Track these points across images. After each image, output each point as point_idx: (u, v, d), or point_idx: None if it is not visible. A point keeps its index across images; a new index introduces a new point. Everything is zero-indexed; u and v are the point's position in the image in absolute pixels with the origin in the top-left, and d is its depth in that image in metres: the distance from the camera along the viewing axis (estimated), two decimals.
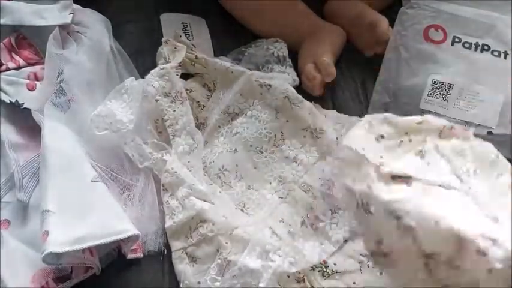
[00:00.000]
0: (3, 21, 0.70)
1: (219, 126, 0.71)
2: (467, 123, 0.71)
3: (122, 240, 0.59)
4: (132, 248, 0.62)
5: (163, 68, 0.70)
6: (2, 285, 0.58)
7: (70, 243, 0.57)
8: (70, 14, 0.71)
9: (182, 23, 0.81)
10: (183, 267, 0.62)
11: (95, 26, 0.72)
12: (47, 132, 0.64)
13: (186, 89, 0.71)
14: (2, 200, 0.64)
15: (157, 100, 0.68)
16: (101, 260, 0.61)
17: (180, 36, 0.75)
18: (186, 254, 0.62)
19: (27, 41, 0.71)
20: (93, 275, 0.61)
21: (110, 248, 0.62)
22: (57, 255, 0.57)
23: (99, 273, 0.61)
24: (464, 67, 0.73)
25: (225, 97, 0.72)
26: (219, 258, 0.60)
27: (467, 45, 0.74)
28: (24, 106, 0.67)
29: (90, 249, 0.59)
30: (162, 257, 0.64)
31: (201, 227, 0.62)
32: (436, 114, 0.71)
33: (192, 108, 0.70)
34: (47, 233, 0.57)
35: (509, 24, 0.74)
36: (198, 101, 0.73)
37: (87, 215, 0.59)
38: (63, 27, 0.70)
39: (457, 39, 0.74)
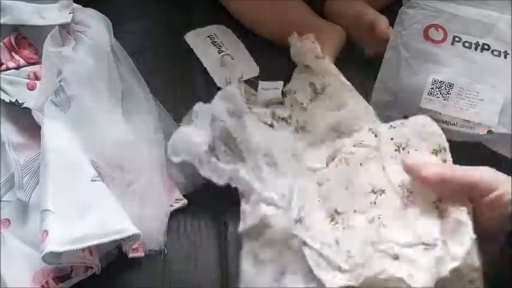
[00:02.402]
0: (3, 20, 0.70)
1: (321, 142, 0.69)
2: (467, 122, 0.71)
3: (123, 239, 0.59)
4: (133, 247, 0.62)
5: (226, 89, 0.71)
6: (2, 285, 0.58)
7: (70, 242, 0.57)
8: (70, 13, 0.70)
9: (208, 36, 0.80)
10: (246, 268, 0.61)
11: (96, 25, 0.72)
12: (47, 132, 0.64)
13: (290, 90, 0.72)
14: (2, 199, 0.64)
15: (223, 121, 0.69)
16: (101, 260, 0.61)
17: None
18: (252, 256, 0.61)
19: (27, 40, 0.71)
20: (93, 274, 0.61)
21: (110, 247, 0.62)
22: (57, 255, 0.56)
23: (99, 272, 0.61)
24: (464, 66, 0.73)
25: (334, 112, 0.70)
26: (279, 262, 0.59)
27: (467, 44, 0.74)
28: (24, 105, 0.67)
29: (90, 249, 0.59)
30: (163, 257, 0.64)
31: (266, 232, 0.61)
32: (436, 113, 0.72)
33: (294, 110, 0.71)
34: (46, 232, 0.57)
35: (509, 23, 0.74)
36: (302, 103, 0.72)
37: (87, 215, 0.59)
38: (63, 26, 0.70)
39: (457, 39, 0.74)
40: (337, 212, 0.60)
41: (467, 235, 0.52)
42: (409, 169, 0.57)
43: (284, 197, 0.63)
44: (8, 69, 0.69)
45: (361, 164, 0.62)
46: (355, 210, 0.59)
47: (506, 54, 0.73)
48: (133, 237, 0.60)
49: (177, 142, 0.68)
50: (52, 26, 0.69)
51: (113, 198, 0.62)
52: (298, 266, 0.58)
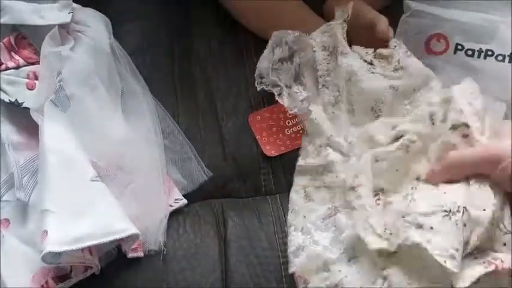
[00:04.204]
0: (2, 20, 0.70)
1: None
2: None
3: (122, 239, 0.59)
4: (132, 247, 0.62)
5: (329, 25, 0.73)
6: (2, 285, 0.58)
7: (69, 242, 0.57)
8: (70, 13, 0.70)
9: None
10: (296, 198, 0.66)
11: (95, 25, 0.72)
12: (46, 132, 0.64)
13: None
14: (2, 199, 0.64)
15: (314, 51, 0.72)
16: (100, 260, 0.61)
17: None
18: (304, 191, 0.67)
19: (26, 40, 0.71)
20: (92, 274, 0.61)
21: (110, 247, 0.62)
22: (57, 255, 0.57)
23: (99, 272, 0.61)
24: (467, 76, 0.72)
25: None
26: (329, 208, 0.64)
27: (469, 52, 0.73)
28: (23, 105, 0.67)
29: (89, 249, 0.59)
30: (162, 257, 0.64)
31: (326, 176, 0.66)
32: None
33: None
34: (46, 232, 0.57)
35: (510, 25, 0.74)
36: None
37: (87, 214, 0.59)
38: (62, 26, 0.70)
39: (459, 47, 0.74)
40: (382, 191, 0.64)
41: (490, 201, 0.57)
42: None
43: (350, 146, 0.67)
44: (7, 69, 0.69)
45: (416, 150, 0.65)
46: (395, 191, 0.64)
47: (511, 57, 0.73)
48: (132, 237, 0.60)
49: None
50: (51, 26, 0.69)
51: (112, 198, 0.62)
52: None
